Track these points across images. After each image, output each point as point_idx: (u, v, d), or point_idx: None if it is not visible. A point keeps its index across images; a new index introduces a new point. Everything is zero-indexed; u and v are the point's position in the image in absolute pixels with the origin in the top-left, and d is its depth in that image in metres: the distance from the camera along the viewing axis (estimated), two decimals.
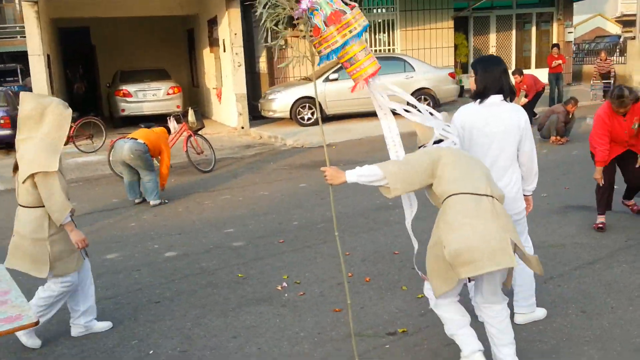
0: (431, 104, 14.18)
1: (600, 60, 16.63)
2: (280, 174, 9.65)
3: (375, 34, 17.11)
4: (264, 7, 3.22)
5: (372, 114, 14.78)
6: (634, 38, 21.90)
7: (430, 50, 17.11)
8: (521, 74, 12.34)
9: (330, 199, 3.74)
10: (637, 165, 5.81)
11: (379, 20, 17.16)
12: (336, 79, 13.95)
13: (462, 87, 16.28)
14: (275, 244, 6.08)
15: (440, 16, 17.08)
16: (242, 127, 14.24)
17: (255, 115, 14.99)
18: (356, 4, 3.24)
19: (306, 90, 13.97)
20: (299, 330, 4.20)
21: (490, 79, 3.78)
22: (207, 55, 17.44)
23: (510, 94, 3.80)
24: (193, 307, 4.66)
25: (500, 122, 3.77)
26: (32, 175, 3.73)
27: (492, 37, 19.01)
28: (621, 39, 24.02)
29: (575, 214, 6.52)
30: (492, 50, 18.78)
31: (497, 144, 3.77)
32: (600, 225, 5.90)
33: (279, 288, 4.95)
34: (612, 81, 16.22)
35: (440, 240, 3.17)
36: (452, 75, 14.55)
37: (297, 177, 9.29)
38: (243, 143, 13.09)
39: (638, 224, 6.05)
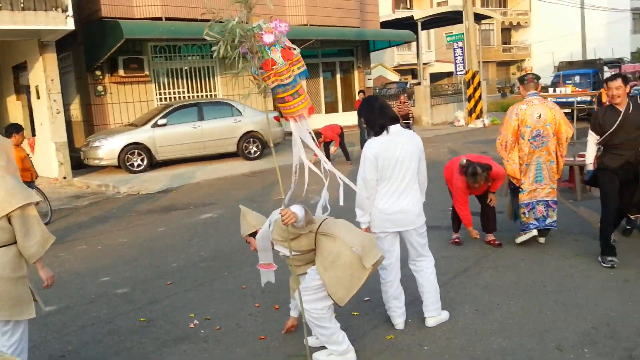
0: (259, 146, 14.71)
1: (400, 102, 18.64)
2: (131, 220, 9.28)
3: (195, 80, 17.25)
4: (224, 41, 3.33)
5: (202, 159, 14.94)
6: (419, 84, 24.90)
7: (250, 96, 17.65)
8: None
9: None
10: (488, 202, 6.71)
11: (199, 67, 17.36)
12: (165, 124, 13.79)
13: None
14: (164, 287, 5.92)
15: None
16: (65, 177, 13.34)
17: (74, 165, 14.14)
18: (288, 47, 3.54)
19: (134, 136, 13.58)
20: None
21: (379, 114, 4.35)
22: (11, 102, 16.07)
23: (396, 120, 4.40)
24: (108, 356, 4.40)
25: (407, 147, 4.33)
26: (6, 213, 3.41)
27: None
28: (408, 85, 27.06)
29: (432, 232, 7.30)
30: None
31: (407, 166, 4.32)
32: (457, 240, 6.74)
33: (192, 326, 4.87)
34: (410, 121, 18.26)
35: (340, 249, 3.75)
36: (276, 118, 15.22)
37: (151, 222, 9.02)
38: (70, 194, 12.28)
39: (482, 235, 7.01)
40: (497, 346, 4.21)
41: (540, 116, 6.41)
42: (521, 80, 6.72)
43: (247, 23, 3.36)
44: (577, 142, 9.77)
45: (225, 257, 6.82)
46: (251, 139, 14.64)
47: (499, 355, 4.08)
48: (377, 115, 4.36)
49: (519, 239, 6.62)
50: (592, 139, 6.05)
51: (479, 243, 6.73)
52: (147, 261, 6.89)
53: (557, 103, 20.73)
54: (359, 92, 18.07)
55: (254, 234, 4.08)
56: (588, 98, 18.13)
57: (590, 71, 22.44)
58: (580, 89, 18.92)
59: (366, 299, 5.18)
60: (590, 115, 6.08)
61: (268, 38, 3.31)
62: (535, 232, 6.55)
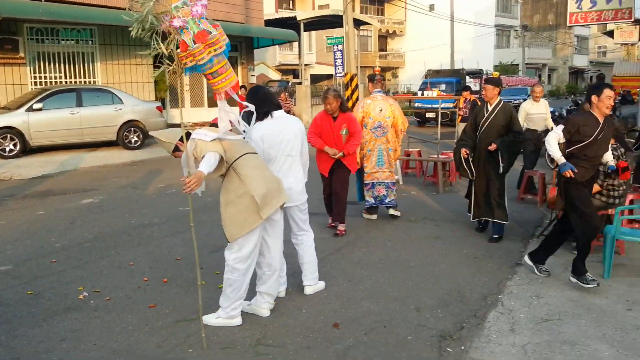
0: (140, 136, 14.60)
1: (281, 100, 19.17)
2: (6, 204, 9.01)
3: (73, 66, 16.71)
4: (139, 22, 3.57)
5: (80, 147, 14.39)
6: (300, 84, 25.61)
7: (131, 85, 17.44)
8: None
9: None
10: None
11: (78, 52, 16.84)
12: (40, 109, 13.32)
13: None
14: (49, 264, 5.97)
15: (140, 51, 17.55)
16: None
17: None
18: (219, 25, 3.84)
19: (7, 120, 12.99)
20: (126, 325, 4.48)
21: (264, 101, 4.81)
22: None
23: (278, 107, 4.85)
24: None
25: (290, 130, 4.82)
26: None
27: (187, 77, 20.24)
28: (290, 84, 27.70)
29: (310, 218, 7.86)
30: (187, 89, 20.03)
31: (290, 147, 4.82)
32: (333, 224, 7.34)
33: (81, 297, 5.04)
34: None
35: (244, 192, 4.14)
36: (159, 109, 15.17)
37: (29, 206, 8.82)
38: None
39: (360, 220, 7.68)
40: (366, 309, 4.81)
41: (381, 110, 7.61)
42: (371, 78, 7.93)
43: (162, 5, 3.59)
44: (441, 141, 10.79)
45: (110, 238, 6.94)
46: (132, 128, 14.49)
47: (367, 315, 4.67)
48: (261, 102, 4.80)
49: (365, 216, 7.91)
50: (556, 138, 5.41)
51: (352, 227, 7.38)
52: (28, 242, 6.84)
53: (424, 107, 22.14)
54: (240, 87, 18.40)
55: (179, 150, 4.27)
56: (451, 105, 19.78)
57: (454, 80, 24.31)
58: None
59: None
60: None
61: (177, 22, 3.58)
62: (375, 217, 7.84)
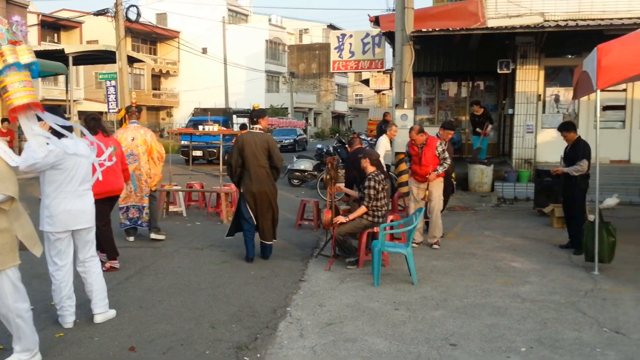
0: None
1: None
2: None
3: None
4: None
5: None
6: (69, 119, 24.21)
7: None
8: None
9: None
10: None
11: None
12: None
13: None
14: None
15: None
16: None
17: None
18: (23, 42, 3.69)
19: None
20: None
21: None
22: None
23: None
24: None
25: (79, 153, 4.75)
26: None
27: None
28: None
29: None
30: None
31: (85, 170, 4.78)
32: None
33: None
34: None
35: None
36: None
37: None
38: None
39: (147, 250, 7.62)
40: (161, 330, 4.86)
41: (133, 139, 8.13)
42: (127, 109, 8.62)
43: None
44: (224, 174, 11.15)
45: None
46: None
47: (163, 336, 4.73)
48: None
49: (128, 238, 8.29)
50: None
51: (139, 257, 7.32)
52: None
53: (194, 146, 21.57)
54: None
55: None
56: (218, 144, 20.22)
57: (220, 118, 24.95)
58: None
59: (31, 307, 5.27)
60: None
61: None
62: (132, 239, 8.27)
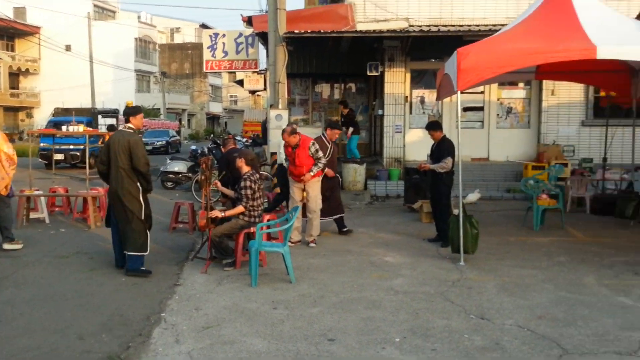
0: None
1: None
2: None
3: None
4: None
5: None
6: None
7: None
8: None
9: None
10: None
11: None
12: None
13: None
14: None
15: None
16: None
17: None
18: None
19: None
20: None
21: None
22: None
23: None
24: None
25: None
26: None
27: None
28: None
29: None
30: None
31: None
32: None
33: None
34: None
35: None
36: None
37: None
38: None
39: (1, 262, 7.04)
40: (23, 345, 4.51)
41: None
42: None
43: None
44: (91, 177, 10.57)
45: None
46: None
47: (25, 351, 4.39)
48: None
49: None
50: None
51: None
52: None
53: (56, 149, 20.01)
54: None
55: None
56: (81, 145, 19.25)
57: (84, 119, 23.67)
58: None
59: None
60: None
61: None
62: None
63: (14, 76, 49.51)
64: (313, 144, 8.06)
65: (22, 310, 5.31)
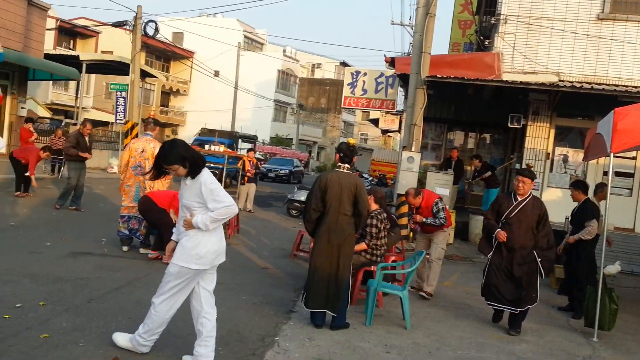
0: None
1: (56, 137, 18.05)
2: None
3: None
4: None
5: None
6: (75, 124, 24.28)
7: None
8: None
9: None
10: None
11: None
12: None
13: None
14: None
15: None
16: None
17: None
18: None
19: None
20: None
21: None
22: None
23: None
24: None
25: None
26: None
27: None
28: (63, 123, 26.03)
29: (83, 258, 7.50)
30: None
31: None
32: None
33: None
34: (64, 157, 17.76)
35: None
36: None
37: None
38: None
39: (138, 262, 7.48)
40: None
41: (142, 151, 8.23)
42: (144, 121, 8.85)
43: None
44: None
45: None
46: None
47: (151, 352, 4.57)
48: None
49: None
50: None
51: (131, 267, 7.18)
52: None
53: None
54: (25, 121, 16.84)
55: None
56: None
57: (226, 141, 24.88)
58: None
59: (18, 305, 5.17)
60: None
61: None
62: (127, 248, 8.20)
63: (165, 95, 53.59)
64: (436, 203, 7.74)
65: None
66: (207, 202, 4.25)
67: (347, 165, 5.94)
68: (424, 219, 7.73)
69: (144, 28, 23.42)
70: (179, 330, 5.10)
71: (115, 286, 6.32)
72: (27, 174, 12.20)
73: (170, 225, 7.70)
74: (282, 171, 34.40)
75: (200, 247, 4.37)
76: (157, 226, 7.84)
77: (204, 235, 4.37)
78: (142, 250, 8.18)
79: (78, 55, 24.55)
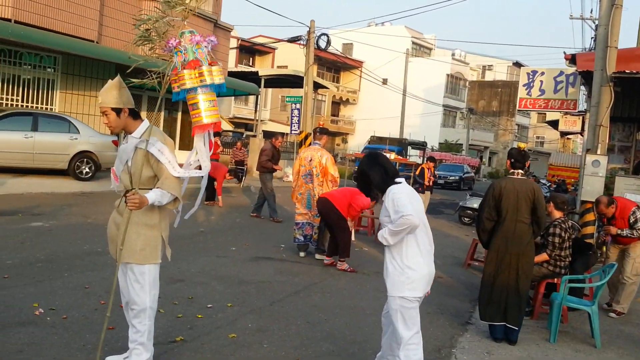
0: (92, 167, 14.33)
1: (237, 149, 19.41)
2: None
3: (32, 91, 16.40)
4: (140, 38, 3.67)
5: (28, 171, 13.62)
6: (255, 136, 25.89)
7: (89, 117, 17.23)
8: None
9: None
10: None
11: (38, 77, 16.58)
12: None
13: None
14: (1, 279, 5.77)
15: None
16: None
17: None
18: (219, 63, 3.93)
19: None
20: (85, 343, 4.38)
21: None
22: None
23: None
24: None
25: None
26: None
27: (143, 114, 20.16)
28: (244, 135, 27.91)
29: (266, 262, 7.96)
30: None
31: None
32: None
33: (37, 313, 4.89)
34: (245, 167, 19.04)
35: None
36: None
37: None
38: None
39: (314, 268, 7.78)
40: (325, 349, 4.87)
41: (310, 160, 8.52)
42: (314, 130, 9.12)
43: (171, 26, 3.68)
44: None
45: (63, 261, 6.77)
46: (85, 159, 14.21)
47: (327, 355, 4.74)
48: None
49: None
50: None
51: (307, 273, 7.48)
52: None
53: None
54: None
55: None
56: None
57: (395, 148, 25.00)
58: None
59: (209, 306, 5.63)
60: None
61: (173, 42, 3.66)
62: (303, 254, 8.52)
63: (336, 105, 55.20)
64: (633, 212, 6.99)
65: (327, 317, 5.76)
66: (390, 213, 3.91)
67: (520, 171, 5.65)
68: (618, 230, 7.08)
69: (317, 41, 24.38)
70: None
71: (294, 290, 6.63)
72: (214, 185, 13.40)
73: (345, 231, 7.90)
74: (451, 178, 33.70)
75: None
76: (332, 229, 8.04)
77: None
78: (317, 256, 8.49)
79: (257, 72, 26.24)
